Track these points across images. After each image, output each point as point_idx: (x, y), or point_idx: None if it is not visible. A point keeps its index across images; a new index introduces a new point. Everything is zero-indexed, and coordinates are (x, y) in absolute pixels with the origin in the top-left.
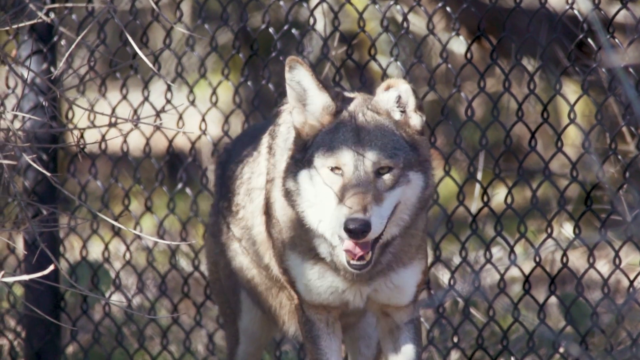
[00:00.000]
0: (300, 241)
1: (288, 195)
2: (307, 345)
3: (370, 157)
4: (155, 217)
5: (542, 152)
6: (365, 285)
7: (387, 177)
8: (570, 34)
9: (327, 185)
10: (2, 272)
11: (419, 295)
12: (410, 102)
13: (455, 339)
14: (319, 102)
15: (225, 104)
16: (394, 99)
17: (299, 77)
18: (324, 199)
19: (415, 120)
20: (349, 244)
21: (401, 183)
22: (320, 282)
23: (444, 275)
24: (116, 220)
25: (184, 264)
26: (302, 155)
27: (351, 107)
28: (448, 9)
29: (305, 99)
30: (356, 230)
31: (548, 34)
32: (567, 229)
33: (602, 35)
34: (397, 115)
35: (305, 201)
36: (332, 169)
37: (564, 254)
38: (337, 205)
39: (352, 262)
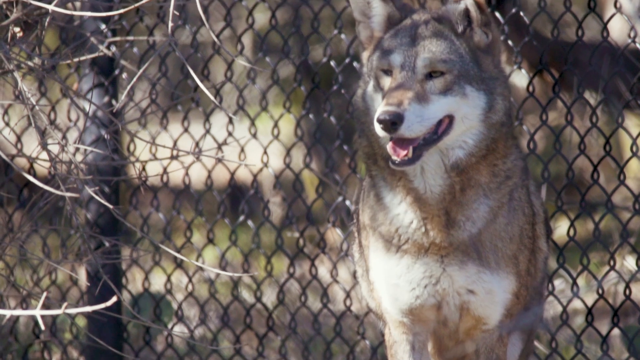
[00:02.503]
0: (380, 221)
1: (359, 119)
2: None
3: (420, 58)
4: (217, 249)
5: (605, 184)
6: (460, 270)
7: (437, 81)
8: (632, 68)
9: (380, 88)
10: (65, 304)
11: (506, 323)
12: (476, 16)
13: None
14: (384, 12)
15: (287, 137)
16: (459, 11)
17: None
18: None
19: (480, 36)
20: (393, 143)
21: (454, 92)
22: (411, 275)
23: None
24: (178, 252)
25: (246, 295)
26: (367, 68)
27: (415, 16)
28: (510, 42)
29: (370, 11)
30: (385, 121)
31: (610, 68)
32: (629, 262)
33: None
34: (460, 28)
35: (375, 120)
36: (385, 71)
37: (627, 286)
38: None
39: (393, 157)
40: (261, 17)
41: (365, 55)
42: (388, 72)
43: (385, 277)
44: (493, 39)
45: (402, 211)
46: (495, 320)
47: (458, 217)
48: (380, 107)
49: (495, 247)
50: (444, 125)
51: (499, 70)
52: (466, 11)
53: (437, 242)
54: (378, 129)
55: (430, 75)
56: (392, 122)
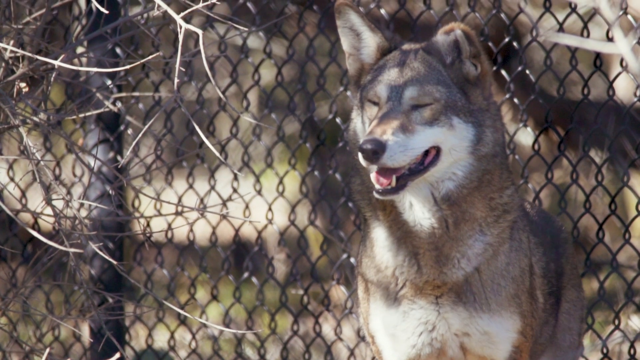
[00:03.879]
0: (376, 268)
1: (351, 153)
2: None
3: (407, 88)
4: (221, 306)
5: (610, 243)
6: (453, 311)
7: (423, 111)
8: (638, 126)
9: (368, 119)
10: None
11: None
12: (465, 48)
13: None
14: (373, 43)
15: (292, 194)
16: (448, 42)
17: (350, 23)
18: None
19: (469, 68)
20: (377, 173)
21: (441, 124)
22: (406, 324)
23: None
24: (182, 308)
25: (250, 352)
26: (357, 100)
27: (405, 47)
28: (515, 100)
29: (360, 43)
30: (367, 150)
31: (616, 126)
32: (634, 321)
33: None
34: (449, 59)
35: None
36: (373, 102)
37: (632, 346)
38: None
39: (376, 186)
40: (267, 74)
41: (354, 88)
42: (375, 103)
43: (383, 327)
44: (482, 71)
45: (394, 248)
46: (502, 358)
47: (452, 253)
48: (363, 137)
49: (498, 285)
50: (431, 156)
51: (489, 103)
52: (455, 42)
53: (431, 280)
54: (361, 158)
55: (416, 106)
56: (374, 152)
